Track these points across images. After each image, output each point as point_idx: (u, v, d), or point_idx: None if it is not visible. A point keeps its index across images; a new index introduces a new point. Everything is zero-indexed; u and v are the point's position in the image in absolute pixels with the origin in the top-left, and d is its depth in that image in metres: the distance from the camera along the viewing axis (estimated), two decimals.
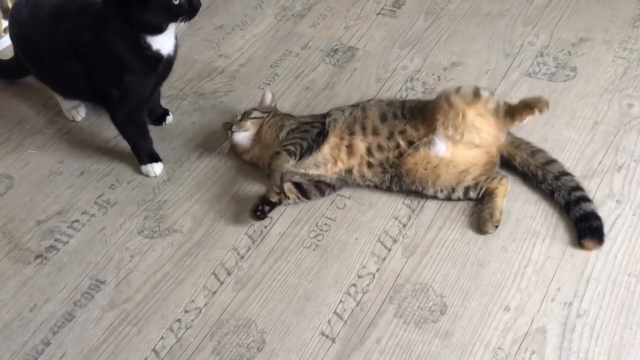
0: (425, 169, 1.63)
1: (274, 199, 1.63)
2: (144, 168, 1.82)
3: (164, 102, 2.00)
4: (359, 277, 1.54)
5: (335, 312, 1.47)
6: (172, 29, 1.61)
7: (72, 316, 1.53)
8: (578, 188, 1.59)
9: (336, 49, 2.18)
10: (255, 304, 1.51)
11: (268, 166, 1.64)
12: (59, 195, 1.80)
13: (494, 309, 1.44)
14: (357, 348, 1.41)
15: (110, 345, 1.46)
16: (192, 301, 1.53)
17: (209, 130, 1.94)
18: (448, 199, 1.65)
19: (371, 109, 1.71)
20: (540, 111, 1.57)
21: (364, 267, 1.55)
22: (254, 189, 1.75)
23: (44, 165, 1.89)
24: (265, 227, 1.66)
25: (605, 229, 1.54)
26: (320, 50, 2.18)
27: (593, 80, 1.95)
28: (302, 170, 1.68)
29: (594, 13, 2.18)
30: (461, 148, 1.63)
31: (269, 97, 1.87)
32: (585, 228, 1.53)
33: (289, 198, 1.66)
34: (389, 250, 1.58)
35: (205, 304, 1.52)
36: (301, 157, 1.64)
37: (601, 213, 1.57)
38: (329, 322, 1.46)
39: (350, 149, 1.67)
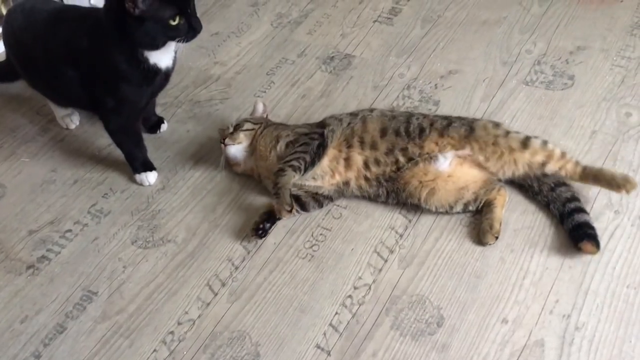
0: (421, 182, 1.60)
1: (286, 216, 1.61)
2: (138, 177, 1.81)
3: (158, 110, 1.98)
4: (355, 288, 1.52)
5: (330, 324, 1.45)
6: (170, 46, 1.59)
7: (63, 328, 1.50)
8: (573, 199, 1.57)
9: (333, 57, 2.17)
10: (250, 316, 1.49)
11: (275, 185, 1.59)
12: (52, 204, 1.78)
13: (492, 321, 1.42)
14: None
15: (102, 358, 1.44)
16: (186, 313, 1.51)
17: (204, 139, 1.93)
18: (447, 213, 1.63)
19: (372, 122, 1.67)
20: (628, 192, 1.53)
21: (360, 278, 1.54)
22: (249, 198, 1.74)
23: (37, 173, 1.87)
24: None
25: (604, 240, 1.53)
26: (317, 58, 2.17)
27: (591, 88, 1.94)
28: (299, 183, 1.66)
29: (592, 21, 2.18)
30: (466, 166, 1.61)
31: (260, 107, 1.85)
32: (580, 234, 1.51)
33: (290, 212, 1.64)
34: (386, 260, 1.56)
35: (199, 316, 1.50)
36: (305, 171, 1.61)
37: (599, 223, 1.55)
38: (325, 334, 1.44)
39: (347, 161, 1.65)
